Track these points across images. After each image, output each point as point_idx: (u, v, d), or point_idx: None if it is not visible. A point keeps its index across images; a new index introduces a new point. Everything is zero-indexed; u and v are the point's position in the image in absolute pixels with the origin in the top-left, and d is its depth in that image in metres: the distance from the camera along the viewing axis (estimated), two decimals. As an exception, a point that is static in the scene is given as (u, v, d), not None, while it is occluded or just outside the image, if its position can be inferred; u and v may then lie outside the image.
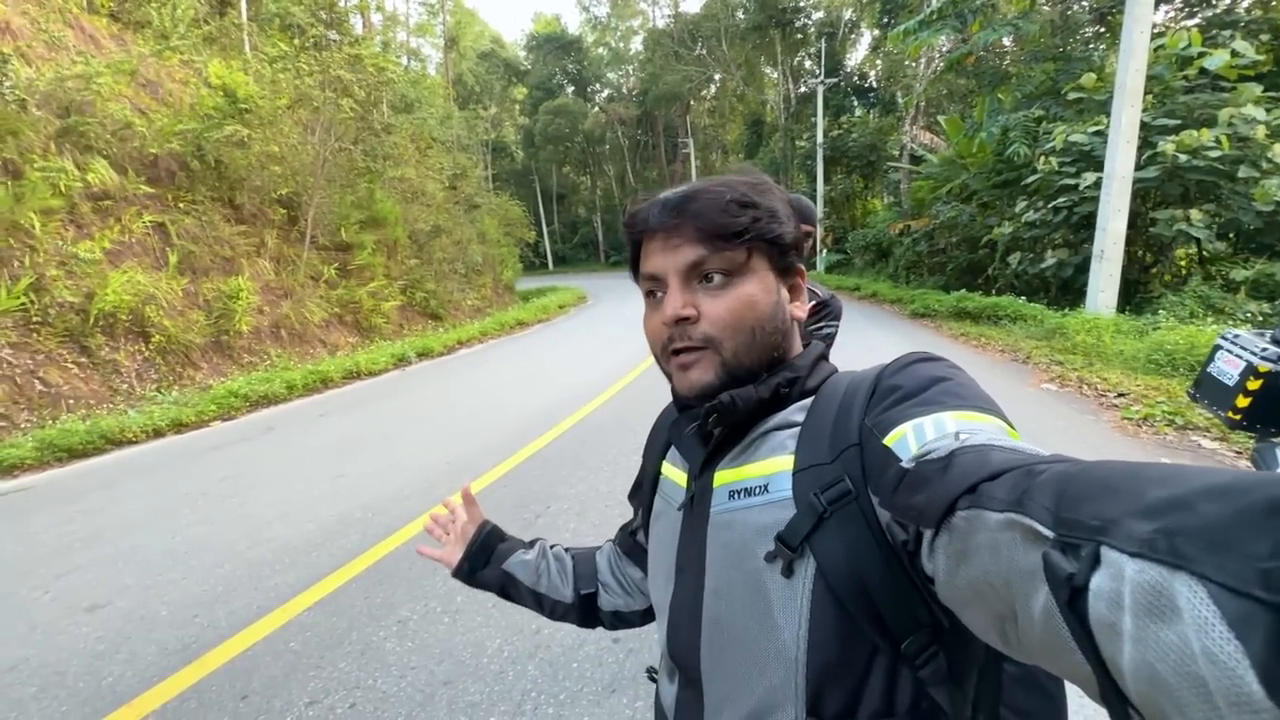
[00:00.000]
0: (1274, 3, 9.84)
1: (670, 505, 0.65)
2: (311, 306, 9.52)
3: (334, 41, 13.26)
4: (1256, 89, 7.44)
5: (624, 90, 43.10)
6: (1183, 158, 7.08)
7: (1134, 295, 8.07)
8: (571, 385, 6.77)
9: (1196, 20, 10.38)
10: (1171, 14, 11.13)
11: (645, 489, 0.72)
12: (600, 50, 43.37)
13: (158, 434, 5.57)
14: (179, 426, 5.75)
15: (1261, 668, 0.21)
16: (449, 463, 4.37)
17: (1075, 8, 11.91)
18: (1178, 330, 6.02)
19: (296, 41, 11.86)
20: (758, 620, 0.52)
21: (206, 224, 8.46)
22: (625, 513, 0.84)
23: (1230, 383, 1.87)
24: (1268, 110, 7.25)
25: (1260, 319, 6.26)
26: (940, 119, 14.58)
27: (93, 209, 7.19)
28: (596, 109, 41.30)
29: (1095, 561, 0.27)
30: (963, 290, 10.43)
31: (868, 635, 0.49)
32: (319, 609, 2.57)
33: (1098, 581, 0.27)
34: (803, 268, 0.63)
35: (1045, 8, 11.75)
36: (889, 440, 0.47)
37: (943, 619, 0.48)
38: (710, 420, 0.57)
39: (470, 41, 39.97)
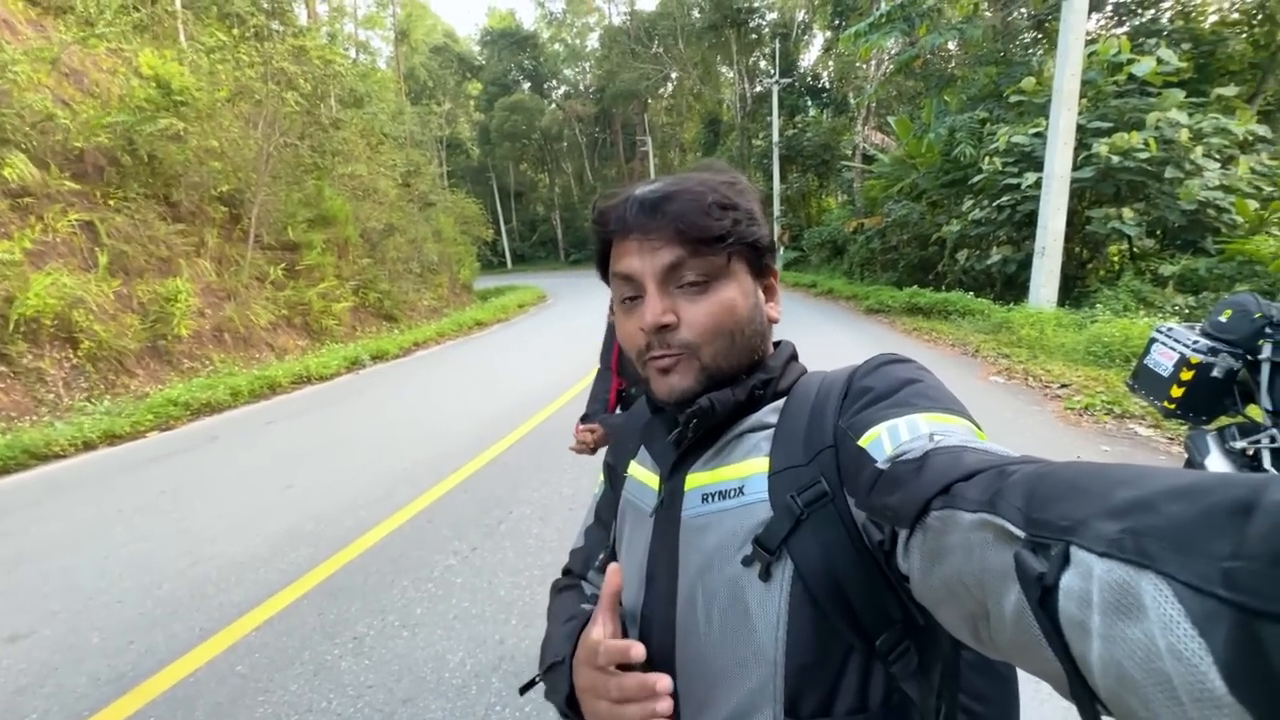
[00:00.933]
0: (1193, 14, 10.48)
1: (639, 509, 0.63)
2: (257, 309, 9.11)
3: (276, 32, 12.69)
4: (1180, 94, 7.91)
5: (581, 87, 42.85)
6: (1115, 159, 7.46)
7: (1073, 290, 8.46)
8: (532, 387, 6.67)
9: (1125, 28, 10.95)
10: (1103, 22, 11.72)
11: (616, 494, 0.70)
12: (556, 46, 42.98)
13: (88, 446, 5.24)
14: (112, 438, 5.42)
15: (1224, 664, 0.21)
16: (405, 469, 4.24)
17: (1015, 14, 12.41)
18: (1113, 323, 6.34)
19: (236, 31, 11.30)
20: (735, 624, 0.51)
21: (140, 222, 7.97)
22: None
23: (1165, 374, 1.96)
24: (1190, 115, 7.71)
25: (1187, 311, 6.65)
26: (890, 119, 14.95)
27: (10, 206, 6.69)
28: (554, 106, 40.95)
29: (1065, 561, 0.28)
30: (914, 286, 10.75)
31: (843, 634, 0.49)
32: (268, 628, 2.44)
33: (1067, 581, 0.28)
34: (776, 268, 0.62)
35: (988, 13, 12.19)
36: (864, 441, 0.47)
37: (916, 615, 0.49)
38: (690, 425, 0.56)
39: (422, 35, 38.95)
